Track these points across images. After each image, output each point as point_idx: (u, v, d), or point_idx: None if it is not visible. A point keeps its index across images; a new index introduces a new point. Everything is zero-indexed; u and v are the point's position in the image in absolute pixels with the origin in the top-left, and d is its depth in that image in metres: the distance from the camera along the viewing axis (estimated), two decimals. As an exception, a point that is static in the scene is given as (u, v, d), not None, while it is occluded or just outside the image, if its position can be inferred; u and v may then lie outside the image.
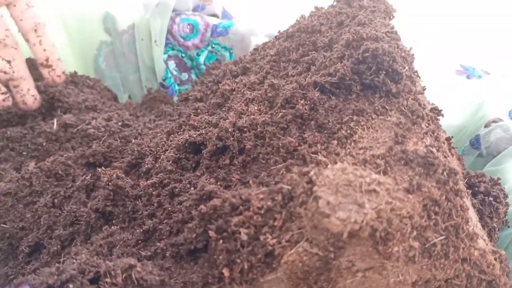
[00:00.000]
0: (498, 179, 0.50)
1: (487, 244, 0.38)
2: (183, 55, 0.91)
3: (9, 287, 0.37)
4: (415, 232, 0.32)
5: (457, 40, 1.05)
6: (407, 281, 0.33)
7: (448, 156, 0.43)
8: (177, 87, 0.92)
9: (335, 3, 0.69)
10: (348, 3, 0.65)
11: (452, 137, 0.52)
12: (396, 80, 0.43)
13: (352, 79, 0.44)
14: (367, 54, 0.43)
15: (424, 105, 0.43)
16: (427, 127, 0.41)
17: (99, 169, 0.54)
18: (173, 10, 0.90)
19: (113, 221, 0.48)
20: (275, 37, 0.69)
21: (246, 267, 0.34)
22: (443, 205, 0.33)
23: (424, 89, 0.78)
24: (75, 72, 0.88)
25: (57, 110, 0.72)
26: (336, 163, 0.37)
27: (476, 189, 0.48)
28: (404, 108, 0.41)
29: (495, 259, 0.36)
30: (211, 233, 0.35)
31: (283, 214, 0.33)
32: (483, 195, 0.47)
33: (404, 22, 1.07)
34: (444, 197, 0.33)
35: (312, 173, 0.32)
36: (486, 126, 0.69)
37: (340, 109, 0.44)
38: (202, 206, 0.37)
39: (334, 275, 0.33)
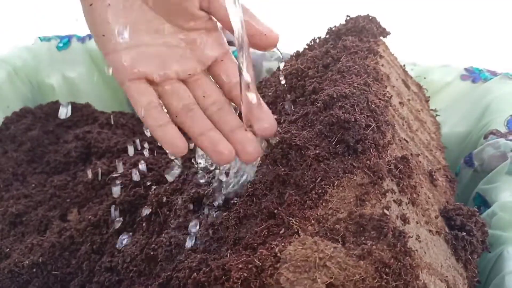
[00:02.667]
0: (475, 210, 0.52)
1: (446, 285, 0.42)
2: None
3: None
4: None
5: (461, 42, 1.03)
6: None
7: (417, 197, 0.47)
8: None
9: (326, 35, 0.72)
10: (335, 38, 0.68)
11: (431, 170, 0.54)
12: (360, 140, 0.46)
13: (322, 145, 0.48)
14: (332, 126, 0.48)
15: (389, 158, 0.47)
16: (392, 181, 0.45)
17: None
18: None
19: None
20: (272, 74, 0.73)
21: None
22: (393, 266, 0.37)
23: (427, 100, 0.79)
24: (109, 114, 0.96)
25: (93, 156, 0.80)
26: (304, 230, 0.42)
27: (453, 222, 0.51)
28: (367, 168, 0.44)
29: None
30: None
31: (257, 283, 0.39)
32: (457, 230, 0.50)
33: (406, 31, 1.06)
34: (393, 259, 0.37)
35: (277, 249, 0.39)
36: (485, 138, 0.70)
37: (314, 168, 0.48)
38: (194, 275, 0.44)
39: None
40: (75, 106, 0.95)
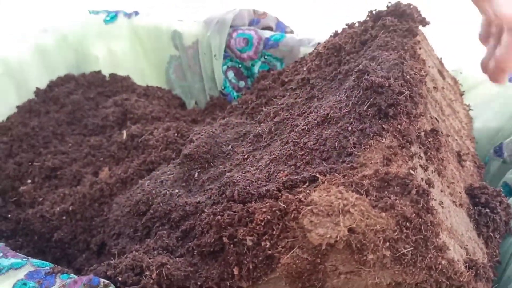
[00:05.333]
0: (500, 190, 0.50)
1: (468, 254, 0.41)
2: (240, 65, 0.96)
3: (81, 279, 0.45)
4: (387, 244, 0.36)
5: None
6: (382, 283, 0.37)
7: (443, 169, 0.46)
8: (235, 94, 0.98)
9: (367, 18, 0.70)
10: (375, 20, 0.67)
11: (460, 151, 0.53)
12: (393, 104, 0.45)
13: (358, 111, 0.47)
14: (366, 90, 0.46)
15: (420, 127, 0.45)
16: (420, 147, 0.44)
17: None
18: (231, 26, 0.95)
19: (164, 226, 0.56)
20: (309, 53, 0.72)
21: (251, 267, 0.40)
22: (414, 221, 0.36)
23: (462, 94, 0.77)
24: (148, 86, 0.97)
25: (128, 121, 0.81)
26: (329, 182, 0.41)
27: (477, 200, 0.49)
28: (397, 132, 0.43)
29: (469, 267, 0.38)
30: (225, 239, 0.42)
31: (280, 225, 0.39)
32: (481, 207, 0.48)
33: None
34: (415, 214, 0.37)
35: (301, 195, 0.39)
36: (517, 132, 0.68)
37: (344, 127, 0.47)
38: (218, 217, 0.44)
39: (322, 276, 0.39)
40: (115, 78, 0.97)
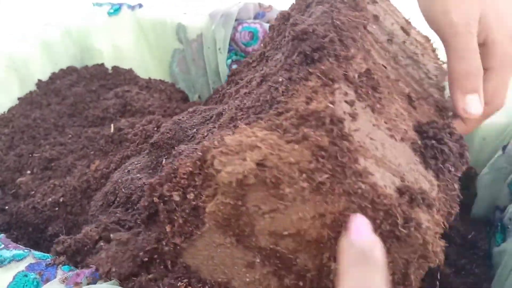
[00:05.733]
0: (450, 123, 0.48)
1: (404, 181, 0.39)
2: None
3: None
4: (304, 175, 0.34)
5: None
6: (306, 217, 0.35)
7: (382, 107, 0.44)
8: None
9: None
10: None
11: (409, 92, 0.51)
12: (318, 48, 0.43)
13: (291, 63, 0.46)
14: (293, 41, 0.45)
15: (349, 67, 0.43)
16: (348, 86, 0.42)
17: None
18: (236, 19, 0.94)
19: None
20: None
21: (181, 221, 0.40)
22: (329, 149, 0.35)
23: (433, 50, 0.74)
24: (150, 78, 0.96)
25: (127, 113, 0.80)
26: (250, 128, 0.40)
27: (425, 134, 0.47)
28: (320, 73, 0.42)
29: (401, 193, 0.36)
30: (155, 199, 0.42)
31: (201, 175, 0.39)
32: (428, 140, 0.46)
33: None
34: (329, 142, 0.35)
35: (216, 141, 0.38)
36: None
37: (275, 80, 0.46)
38: (151, 180, 0.44)
39: (248, 219, 0.37)
40: (118, 70, 0.96)
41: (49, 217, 0.64)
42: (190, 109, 0.66)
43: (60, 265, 0.44)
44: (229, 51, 0.94)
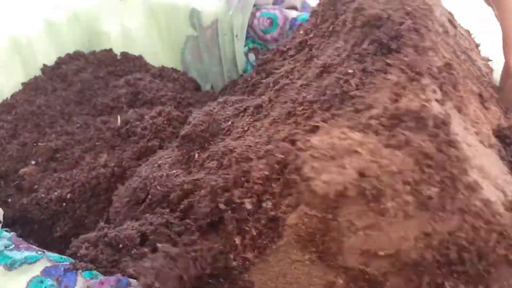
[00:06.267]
0: None
1: (507, 196, 0.34)
2: (263, 47, 0.89)
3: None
4: (408, 187, 0.30)
5: None
6: (408, 236, 0.31)
7: (464, 108, 0.39)
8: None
9: None
10: None
11: (481, 92, 0.46)
12: (395, 37, 0.39)
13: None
14: (363, 28, 0.41)
15: (430, 59, 0.39)
16: (432, 80, 0.37)
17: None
18: (254, 5, 0.88)
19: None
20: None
21: (254, 233, 0.35)
22: (436, 157, 0.30)
23: (477, 46, 0.70)
24: (163, 66, 0.90)
25: (138, 102, 0.75)
26: (333, 126, 0.35)
27: (508, 140, 0.42)
28: (404, 65, 0.37)
29: (510, 210, 0.32)
30: (221, 205, 0.37)
31: (280, 181, 0.34)
32: (510, 146, 0.41)
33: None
34: (436, 149, 0.31)
35: (299, 142, 0.33)
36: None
37: (342, 71, 0.41)
38: (212, 183, 0.39)
39: (337, 235, 0.32)
40: (127, 57, 0.90)
41: (55, 213, 0.58)
42: (220, 100, 0.60)
43: (81, 271, 0.38)
44: (246, 38, 0.89)
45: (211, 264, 0.37)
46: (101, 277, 0.37)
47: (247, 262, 0.36)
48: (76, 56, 0.86)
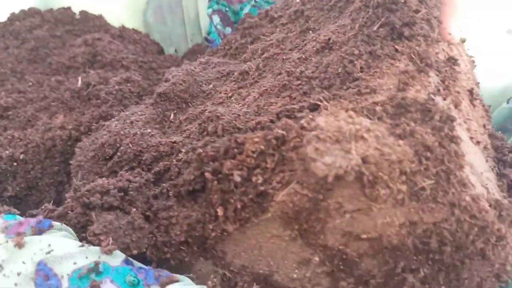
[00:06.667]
0: None
1: (489, 193, 0.35)
2: (227, 9, 0.86)
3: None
4: (404, 177, 0.30)
5: None
6: (394, 222, 0.31)
7: (460, 103, 0.39)
8: (220, 42, 0.89)
9: None
10: None
11: (472, 88, 0.46)
12: (409, 23, 0.38)
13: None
14: (377, 9, 0.40)
15: (437, 52, 0.39)
16: (437, 75, 0.38)
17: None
18: (219, -35, 0.85)
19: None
20: None
21: (239, 206, 0.34)
22: (435, 151, 0.31)
23: (463, 41, 0.70)
24: (123, 27, 0.86)
25: (97, 64, 0.71)
26: (337, 107, 0.35)
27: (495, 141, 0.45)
28: (414, 54, 0.37)
29: (494, 207, 0.33)
30: (207, 174, 0.35)
31: (275, 157, 0.33)
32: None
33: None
34: (437, 143, 0.31)
35: (303, 120, 0.32)
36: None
37: (348, 51, 0.40)
38: (199, 150, 0.37)
39: (323, 216, 0.32)
40: (86, 16, 0.86)
41: (4, 172, 0.56)
42: (202, 60, 0.57)
43: (2, 214, 0.36)
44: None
45: (186, 232, 0.36)
46: (22, 219, 0.36)
47: (225, 234, 0.35)
48: (31, 13, 0.81)
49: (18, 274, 0.31)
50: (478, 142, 0.40)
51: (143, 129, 0.49)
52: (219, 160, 0.35)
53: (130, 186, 0.42)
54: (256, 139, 0.33)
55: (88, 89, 0.64)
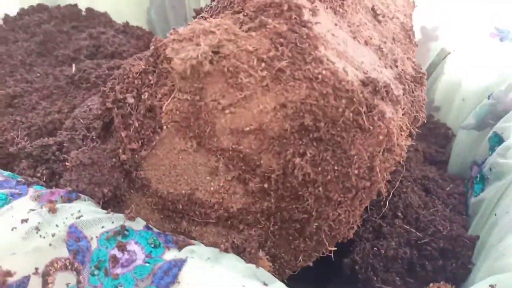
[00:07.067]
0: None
1: (366, 75, 0.37)
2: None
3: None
4: (263, 64, 0.33)
5: (494, 1, 0.97)
6: (267, 108, 0.34)
7: (345, 12, 0.43)
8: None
9: None
10: None
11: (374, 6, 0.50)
12: None
13: None
14: None
15: None
16: None
17: None
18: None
19: None
20: None
21: (137, 125, 0.37)
22: (288, 36, 0.33)
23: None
24: (127, 22, 0.90)
25: (99, 55, 0.75)
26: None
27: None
28: None
29: (365, 84, 0.35)
30: (108, 104, 0.39)
31: (156, 72, 0.36)
32: None
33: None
34: (288, 29, 0.33)
35: (169, 33, 0.35)
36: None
37: None
38: (103, 88, 0.41)
39: (208, 116, 0.35)
40: (92, 13, 0.90)
41: (10, 153, 0.59)
42: None
43: (33, 184, 0.40)
44: None
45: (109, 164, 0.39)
46: (52, 189, 0.39)
47: (136, 156, 0.38)
48: (39, 9, 0.85)
49: (53, 235, 0.35)
50: (366, 43, 0.43)
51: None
52: (114, 89, 0.39)
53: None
54: (139, 62, 0.37)
55: (80, 74, 0.69)
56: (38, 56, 0.78)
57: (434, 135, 0.75)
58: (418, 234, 0.50)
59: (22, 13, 0.84)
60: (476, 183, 0.56)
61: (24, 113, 0.65)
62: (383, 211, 0.52)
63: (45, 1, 0.89)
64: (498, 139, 0.56)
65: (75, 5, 0.90)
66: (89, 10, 0.90)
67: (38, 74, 0.74)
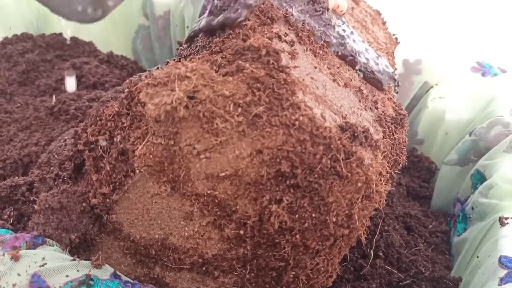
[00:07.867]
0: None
1: (345, 119, 0.36)
2: (212, 40, 0.90)
3: None
4: (240, 109, 0.32)
5: (476, 36, 0.98)
6: (243, 154, 0.33)
7: (324, 54, 0.43)
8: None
9: None
10: None
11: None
12: None
13: None
14: None
15: (287, 11, 0.43)
16: (289, 29, 0.41)
17: None
18: (206, -3, 0.89)
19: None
20: None
21: (108, 168, 0.36)
22: (265, 81, 0.32)
23: (384, 23, 0.73)
24: (111, 52, 0.90)
25: (81, 85, 0.74)
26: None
27: None
28: (259, 12, 0.40)
29: (343, 130, 0.34)
30: (79, 145, 0.38)
31: (129, 115, 0.35)
32: None
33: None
34: (265, 74, 0.33)
35: (144, 76, 0.34)
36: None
37: None
38: (76, 128, 0.40)
39: (183, 161, 0.34)
40: (77, 42, 0.90)
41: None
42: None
43: None
44: (197, 30, 0.90)
45: (79, 208, 0.38)
46: (17, 234, 0.37)
47: (107, 200, 0.37)
48: (23, 38, 0.85)
49: (14, 285, 0.33)
50: (346, 85, 0.42)
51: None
52: (86, 131, 0.38)
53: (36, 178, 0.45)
54: (114, 104, 0.36)
55: (59, 105, 0.67)
56: (20, 86, 0.77)
57: (417, 169, 0.75)
58: (400, 275, 0.49)
59: (6, 41, 0.83)
60: (458, 222, 0.55)
61: (1, 145, 0.64)
62: (364, 250, 0.51)
63: (30, 30, 0.88)
64: (480, 177, 0.56)
65: (60, 34, 0.89)
66: (74, 39, 0.89)
67: (19, 104, 0.72)
